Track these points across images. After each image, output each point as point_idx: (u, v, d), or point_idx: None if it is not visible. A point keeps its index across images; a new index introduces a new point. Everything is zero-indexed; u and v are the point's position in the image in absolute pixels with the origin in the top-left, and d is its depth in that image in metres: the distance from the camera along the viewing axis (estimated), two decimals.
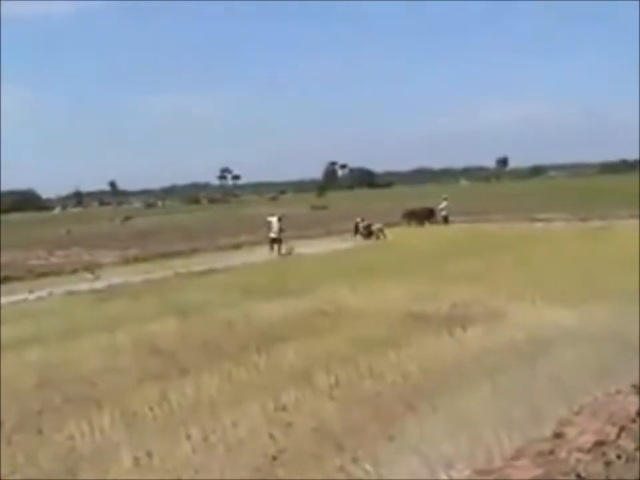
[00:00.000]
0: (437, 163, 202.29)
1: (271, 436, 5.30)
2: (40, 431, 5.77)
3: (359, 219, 24.37)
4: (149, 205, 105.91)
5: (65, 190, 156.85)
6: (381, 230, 23.49)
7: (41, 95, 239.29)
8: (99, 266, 19.26)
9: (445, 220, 28.41)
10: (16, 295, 13.99)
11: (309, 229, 28.00)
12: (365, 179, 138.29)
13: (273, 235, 20.30)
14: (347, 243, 22.56)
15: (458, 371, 6.57)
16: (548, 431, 4.84)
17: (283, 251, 20.01)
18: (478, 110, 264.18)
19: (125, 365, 7.65)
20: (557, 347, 7.23)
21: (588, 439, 4.53)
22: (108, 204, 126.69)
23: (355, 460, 4.80)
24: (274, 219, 20.68)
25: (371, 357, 7.13)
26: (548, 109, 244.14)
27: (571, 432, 4.72)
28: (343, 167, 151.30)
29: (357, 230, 23.92)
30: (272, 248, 19.99)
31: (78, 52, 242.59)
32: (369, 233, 23.46)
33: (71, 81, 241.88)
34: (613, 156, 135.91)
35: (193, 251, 22.21)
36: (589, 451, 4.39)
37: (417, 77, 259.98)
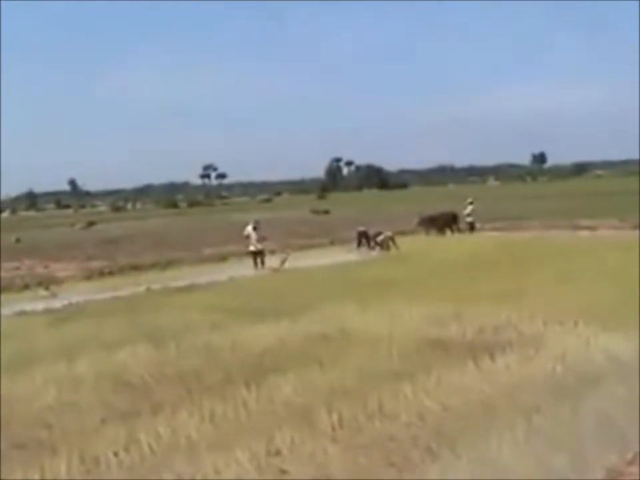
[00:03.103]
0: (460, 160, 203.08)
1: None
2: None
3: (362, 228, 24.43)
4: (117, 208, 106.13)
5: (16, 190, 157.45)
6: (391, 239, 23.53)
7: None
8: (56, 281, 19.25)
9: (471, 227, 28.45)
10: None
11: (308, 238, 28.04)
12: (375, 178, 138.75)
13: (252, 248, 20.33)
14: (352, 254, 22.60)
15: (486, 410, 6.54)
16: None
17: (267, 263, 20.06)
18: (510, 97, 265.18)
19: (86, 401, 7.62)
20: (605, 380, 7.21)
21: None
22: (67, 207, 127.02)
23: None
24: (249, 228, 20.71)
25: (381, 392, 7.10)
26: (594, 96, 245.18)
27: None
28: (349, 163, 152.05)
29: (360, 241, 23.99)
30: (255, 263, 20.02)
31: (30, 29, 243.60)
32: (375, 243, 23.51)
33: (22, 61, 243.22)
34: None
35: (170, 264, 22.21)
36: None
37: (435, 56, 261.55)
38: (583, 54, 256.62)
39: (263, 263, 20.14)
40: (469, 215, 28.90)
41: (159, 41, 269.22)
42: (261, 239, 20.51)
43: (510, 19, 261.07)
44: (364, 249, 23.73)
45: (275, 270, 19.58)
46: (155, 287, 16.86)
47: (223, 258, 23.34)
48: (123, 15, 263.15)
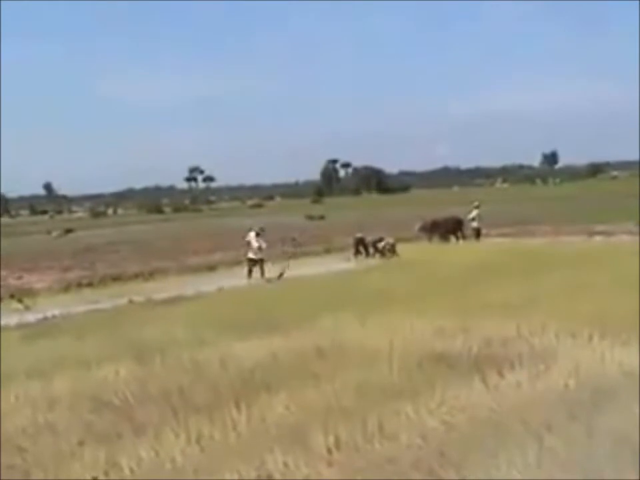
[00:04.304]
0: (465, 161, 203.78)
1: None
2: None
3: (359, 234, 24.49)
4: (97, 214, 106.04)
5: None
6: (391, 246, 23.57)
7: None
8: (31, 293, 19.21)
9: (477, 233, 28.46)
10: None
11: (302, 245, 28.04)
12: (374, 180, 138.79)
13: (250, 255, 20.40)
14: (350, 263, 22.65)
15: (494, 429, 6.54)
16: None
17: (267, 274, 20.10)
18: (518, 92, 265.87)
19: (62, 423, 7.60)
20: (622, 397, 7.21)
21: None
22: (43, 212, 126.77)
23: None
24: (251, 235, 20.80)
25: (380, 411, 7.10)
26: (611, 91, 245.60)
27: None
28: (346, 165, 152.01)
29: (357, 248, 24.04)
30: (250, 272, 20.06)
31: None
32: (376, 251, 23.56)
33: None
34: None
35: (154, 274, 22.23)
36: None
37: (436, 47, 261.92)
38: (598, 48, 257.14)
39: (262, 272, 20.17)
40: (474, 219, 28.87)
41: (143, 41, 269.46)
42: (260, 248, 20.57)
43: (518, 16, 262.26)
44: (362, 257, 23.76)
45: (268, 280, 19.63)
46: (138, 299, 16.85)
47: (211, 267, 23.35)
48: (98, 15, 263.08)
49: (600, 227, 27.57)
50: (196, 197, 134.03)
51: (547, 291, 13.64)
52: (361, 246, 24.21)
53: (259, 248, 20.50)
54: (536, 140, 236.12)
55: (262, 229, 21.35)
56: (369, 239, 24.30)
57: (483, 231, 28.77)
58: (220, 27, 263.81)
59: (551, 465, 5.75)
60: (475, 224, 28.76)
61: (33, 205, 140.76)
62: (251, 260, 20.42)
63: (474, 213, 28.99)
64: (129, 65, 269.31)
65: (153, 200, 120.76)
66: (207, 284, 18.91)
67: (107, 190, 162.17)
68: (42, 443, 7.05)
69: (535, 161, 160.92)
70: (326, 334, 10.86)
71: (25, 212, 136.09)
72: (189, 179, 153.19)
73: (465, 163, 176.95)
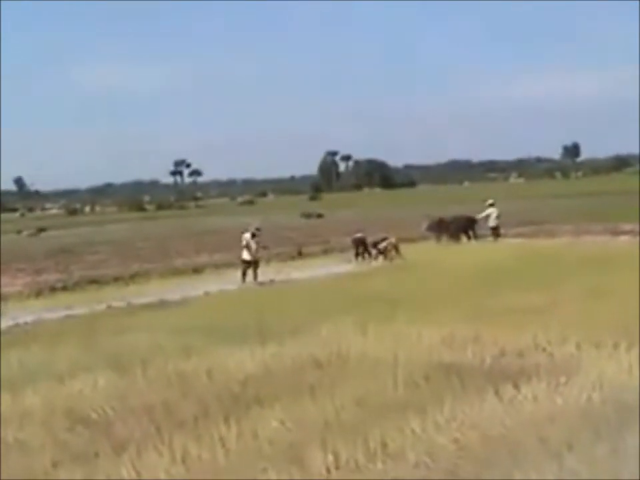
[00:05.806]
0: (477, 154, 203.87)
1: None
2: None
3: (359, 234, 24.51)
4: (72, 212, 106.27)
5: None
6: (394, 247, 23.56)
7: None
8: (0, 298, 19.18)
9: (496, 233, 28.23)
10: None
11: (298, 246, 28.04)
12: (377, 175, 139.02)
13: (245, 257, 20.38)
14: (350, 265, 22.68)
15: (508, 448, 6.54)
16: None
17: (260, 277, 20.10)
18: (536, 80, 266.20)
19: (35, 441, 7.58)
20: None
21: None
22: (13, 210, 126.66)
23: None
24: (247, 236, 20.80)
25: (384, 427, 7.10)
26: (636, 79, 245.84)
27: None
28: (347, 158, 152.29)
29: (357, 250, 24.06)
30: (244, 275, 20.05)
31: None
32: (378, 252, 23.58)
33: None
34: None
35: (135, 277, 22.21)
36: None
37: (446, 32, 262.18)
38: (622, 33, 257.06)
39: (256, 275, 20.19)
40: (488, 218, 28.69)
41: (123, 27, 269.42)
42: (259, 248, 20.58)
43: (533, 4, 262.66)
44: (363, 258, 23.77)
45: (261, 283, 19.63)
46: (118, 304, 16.87)
47: (197, 270, 23.34)
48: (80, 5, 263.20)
49: (626, 226, 27.53)
50: (181, 192, 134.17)
51: (568, 296, 13.63)
52: (361, 247, 24.21)
53: (255, 250, 20.49)
54: (555, 131, 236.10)
55: (258, 230, 21.34)
56: (370, 239, 24.29)
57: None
58: (214, 13, 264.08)
59: None
60: (492, 223, 28.55)
61: (2, 201, 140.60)
62: (245, 262, 20.41)
63: (488, 211, 28.83)
64: (105, 50, 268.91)
65: (134, 196, 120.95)
66: (193, 288, 18.93)
67: (83, 185, 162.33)
68: (12, 463, 7.02)
69: (555, 154, 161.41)
70: (324, 343, 10.87)
71: None
72: (173, 173, 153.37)
73: (477, 156, 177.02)
